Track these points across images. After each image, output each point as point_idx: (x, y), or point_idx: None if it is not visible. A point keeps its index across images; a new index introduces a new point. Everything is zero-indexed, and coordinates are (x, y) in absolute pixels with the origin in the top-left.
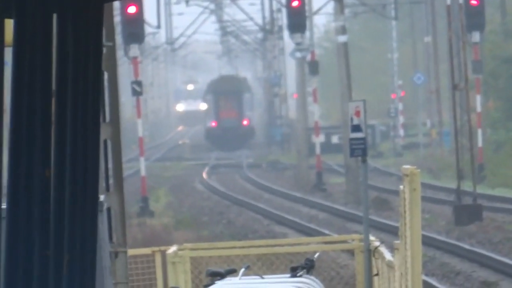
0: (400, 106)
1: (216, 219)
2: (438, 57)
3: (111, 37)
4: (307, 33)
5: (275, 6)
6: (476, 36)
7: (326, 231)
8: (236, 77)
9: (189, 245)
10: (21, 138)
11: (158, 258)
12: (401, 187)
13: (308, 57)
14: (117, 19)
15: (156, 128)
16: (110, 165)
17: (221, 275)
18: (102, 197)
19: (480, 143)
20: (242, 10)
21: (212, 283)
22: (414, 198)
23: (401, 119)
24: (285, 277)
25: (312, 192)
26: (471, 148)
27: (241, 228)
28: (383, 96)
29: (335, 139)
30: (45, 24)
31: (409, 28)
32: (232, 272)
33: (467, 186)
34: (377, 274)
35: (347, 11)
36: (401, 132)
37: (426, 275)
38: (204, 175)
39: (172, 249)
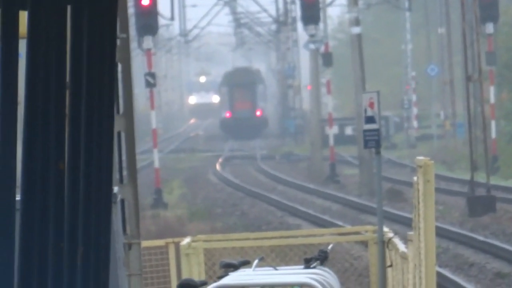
0: (414, 98)
1: (230, 210)
2: (452, 49)
3: (125, 29)
4: (321, 25)
5: None
6: (490, 28)
7: (340, 223)
8: (250, 69)
9: (202, 236)
10: (35, 130)
11: (171, 250)
12: (415, 178)
13: (322, 49)
14: (131, 11)
15: (170, 120)
16: (123, 157)
17: (234, 267)
18: (116, 189)
19: (493, 134)
20: (255, 1)
21: (226, 274)
22: (427, 190)
23: (414, 110)
24: (299, 269)
25: (325, 183)
26: (485, 140)
27: (255, 220)
28: (397, 88)
29: (348, 131)
30: (59, 16)
31: (423, 19)
32: (245, 263)
33: (480, 177)
34: (390, 266)
35: (360, 2)
36: (415, 123)
37: (440, 266)
38: (218, 167)
39: (186, 240)
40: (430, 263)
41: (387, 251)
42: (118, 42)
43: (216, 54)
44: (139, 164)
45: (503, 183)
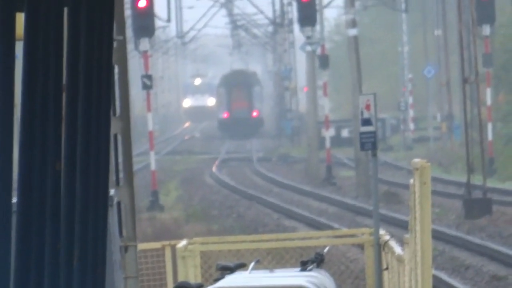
0: (411, 100)
1: (226, 213)
2: (449, 50)
3: (122, 31)
4: (318, 27)
5: None
6: (486, 29)
7: (336, 225)
8: (247, 71)
9: (199, 239)
10: (32, 132)
11: (168, 252)
12: (411, 180)
13: (319, 51)
14: (127, 12)
15: (167, 122)
16: (120, 159)
17: (231, 269)
18: (112, 191)
19: (490, 136)
20: (252, 3)
21: (222, 277)
22: (424, 192)
23: (411, 112)
24: (295, 271)
25: (322, 185)
26: (481, 142)
27: (251, 222)
28: (393, 89)
29: (345, 133)
30: (56, 18)
31: (420, 21)
32: (242, 266)
33: (477, 179)
34: (387, 268)
35: (357, 4)
36: (411, 125)
37: (436, 269)
38: (214, 169)
39: (182, 243)
40: (426, 265)
41: (383, 253)
42: (115, 44)
43: (213, 56)
44: (135, 166)
45: (499, 185)
